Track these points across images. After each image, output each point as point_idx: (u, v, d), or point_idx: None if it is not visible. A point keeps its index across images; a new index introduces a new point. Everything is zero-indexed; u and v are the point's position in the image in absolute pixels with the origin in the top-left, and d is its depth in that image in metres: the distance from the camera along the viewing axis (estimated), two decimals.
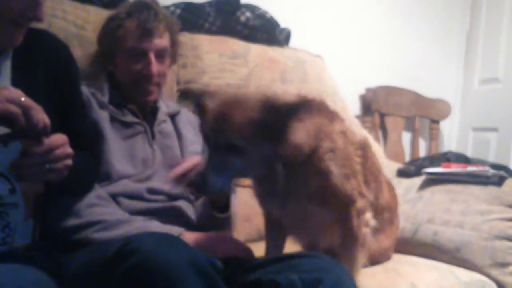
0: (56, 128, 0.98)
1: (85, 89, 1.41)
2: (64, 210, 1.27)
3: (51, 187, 1.08)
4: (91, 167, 1.29)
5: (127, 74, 1.46)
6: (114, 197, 1.37)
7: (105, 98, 1.46)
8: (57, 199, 1.24)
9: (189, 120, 1.63)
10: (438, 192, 1.72)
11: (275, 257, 1.20)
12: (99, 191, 1.33)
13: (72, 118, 1.24)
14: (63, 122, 1.16)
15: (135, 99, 1.49)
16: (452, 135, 2.99)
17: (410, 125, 2.75)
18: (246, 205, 1.78)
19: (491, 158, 2.64)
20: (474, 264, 1.52)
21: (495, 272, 1.49)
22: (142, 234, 1.06)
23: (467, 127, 2.97)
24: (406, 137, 2.78)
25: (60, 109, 1.19)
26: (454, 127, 2.99)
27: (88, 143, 1.30)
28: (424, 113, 2.73)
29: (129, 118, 1.46)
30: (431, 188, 1.74)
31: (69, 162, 1.00)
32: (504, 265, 1.49)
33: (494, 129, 2.76)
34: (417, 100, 2.72)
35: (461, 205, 1.62)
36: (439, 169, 1.76)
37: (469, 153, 2.76)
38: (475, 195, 1.64)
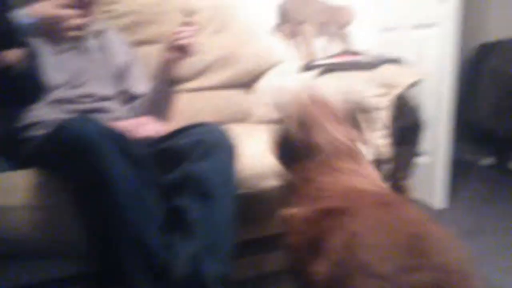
0: None
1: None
2: (14, 116, 1.56)
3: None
4: (34, 80, 1.53)
5: None
6: (52, 103, 1.63)
7: None
8: (8, 108, 1.54)
9: (115, 36, 1.92)
10: (329, 79, 2.07)
11: (178, 130, 1.53)
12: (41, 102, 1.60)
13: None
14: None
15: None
16: (361, 37, 3.34)
17: (322, 31, 3.06)
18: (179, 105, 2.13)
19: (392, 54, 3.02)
20: None
21: (369, 136, 1.87)
22: (70, 118, 1.34)
23: (374, 29, 3.33)
24: (320, 42, 3.10)
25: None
26: (362, 29, 3.32)
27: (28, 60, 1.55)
28: (334, 19, 3.06)
29: None
30: (324, 77, 2.10)
31: None
32: (376, 130, 1.87)
33: (394, 29, 3.14)
34: (327, 8, 3.04)
35: (345, 87, 1.99)
36: (326, 60, 2.12)
37: (376, 52, 3.13)
38: (355, 78, 2.01)
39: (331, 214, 0.98)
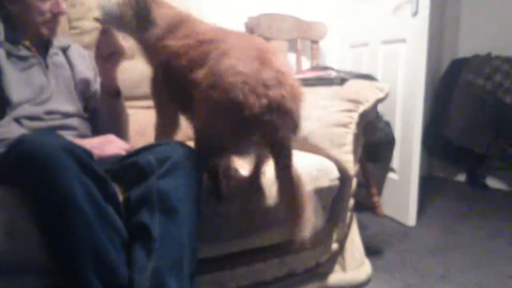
0: None
1: None
2: None
3: None
4: None
5: (35, 14, 1.67)
6: (17, 120, 1.61)
7: (1, 37, 1.68)
8: None
9: (79, 53, 1.90)
10: None
11: (143, 147, 1.49)
12: (5, 119, 1.59)
13: None
14: None
15: (30, 36, 1.72)
16: (333, 53, 3.36)
17: (293, 47, 3.08)
18: (139, 123, 2.11)
19: (364, 70, 3.03)
20: (318, 147, 1.86)
21: (334, 152, 1.83)
22: (29, 132, 1.35)
23: (346, 44, 3.35)
24: (291, 58, 3.11)
25: None
26: (334, 45, 3.34)
27: None
28: (305, 35, 3.06)
29: (24, 52, 1.70)
30: None
31: None
32: (340, 146, 1.84)
33: (365, 44, 3.14)
34: (298, 24, 3.05)
35: (308, 102, 1.97)
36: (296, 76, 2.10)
37: (348, 68, 3.14)
38: (321, 94, 1.99)
39: (208, 42, 1.44)
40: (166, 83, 1.56)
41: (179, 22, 1.57)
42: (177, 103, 1.57)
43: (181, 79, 1.46)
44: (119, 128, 1.81)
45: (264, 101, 1.26)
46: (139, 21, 1.57)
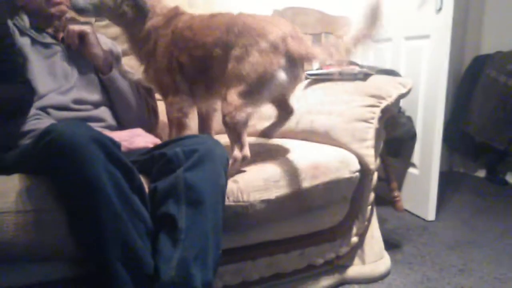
0: None
1: (8, 22, 1.69)
2: (7, 125, 1.57)
3: None
4: (26, 94, 1.61)
5: None
6: (44, 109, 1.66)
7: (27, 25, 1.73)
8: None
9: (103, 42, 1.92)
10: (317, 89, 2.09)
11: (170, 140, 1.57)
12: (33, 109, 1.63)
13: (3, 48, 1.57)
14: None
15: (45, 21, 1.78)
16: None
17: (316, 42, 3.08)
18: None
19: (387, 65, 3.04)
20: (340, 142, 1.89)
21: (355, 146, 1.87)
22: (58, 122, 1.38)
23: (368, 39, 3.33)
24: None
25: None
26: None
27: (18, 66, 1.62)
28: (329, 30, 3.07)
29: (48, 40, 1.76)
30: (312, 87, 2.12)
31: None
32: (362, 140, 1.87)
33: (388, 40, 3.15)
34: (322, 18, 3.06)
35: (331, 97, 2.00)
36: (317, 70, 2.13)
37: (371, 63, 3.14)
38: (343, 89, 2.01)
39: (217, 14, 1.70)
40: (179, 63, 1.70)
41: (175, 11, 1.78)
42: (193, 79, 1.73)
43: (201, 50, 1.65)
44: (131, 107, 1.87)
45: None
46: (134, 12, 1.74)
